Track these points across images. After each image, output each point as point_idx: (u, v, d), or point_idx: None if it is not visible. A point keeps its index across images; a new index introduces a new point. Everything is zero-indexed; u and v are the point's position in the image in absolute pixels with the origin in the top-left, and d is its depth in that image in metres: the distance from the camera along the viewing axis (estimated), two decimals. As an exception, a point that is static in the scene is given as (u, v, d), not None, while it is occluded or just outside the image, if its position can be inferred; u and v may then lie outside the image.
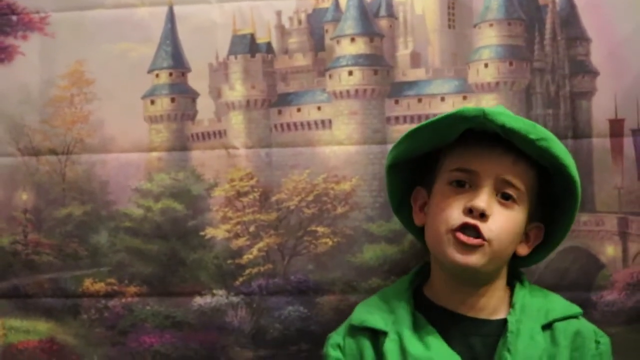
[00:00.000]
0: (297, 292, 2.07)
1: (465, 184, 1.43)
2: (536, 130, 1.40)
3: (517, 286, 1.54)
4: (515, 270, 1.57)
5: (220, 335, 2.10)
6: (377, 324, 1.51)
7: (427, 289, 1.56)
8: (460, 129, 1.42)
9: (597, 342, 1.52)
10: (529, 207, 1.48)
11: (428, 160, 1.52)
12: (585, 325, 1.54)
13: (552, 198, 1.50)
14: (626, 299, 1.97)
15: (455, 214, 1.42)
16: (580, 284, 1.99)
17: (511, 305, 1.50)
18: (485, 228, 1.41)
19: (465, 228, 1.41)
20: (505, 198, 1.43)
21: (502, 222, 1.42)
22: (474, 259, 1.42)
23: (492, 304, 1.50)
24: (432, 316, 1.49)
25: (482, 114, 1.37)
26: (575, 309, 1.55)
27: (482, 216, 1.40)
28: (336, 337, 1.59)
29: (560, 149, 1.43)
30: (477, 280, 1.48)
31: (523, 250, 1.53)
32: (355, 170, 2.05)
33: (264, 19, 2.13)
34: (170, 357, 2.11)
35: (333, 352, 1.56)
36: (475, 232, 1.41)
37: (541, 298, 1.53)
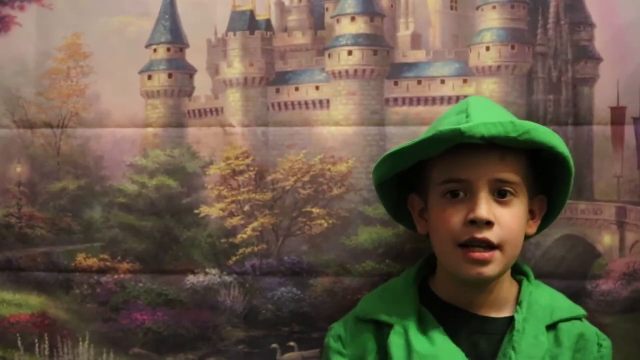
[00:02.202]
0: (290, 273, 2.06)
1: (459, 193, 1.41)
2: (516, 127, 1.37)
3: (525, 283, 1.53)
4: (520, 265, 1.56)
5: (212, 314, 2.09)
6: (382, 317, 1.50)
7: (433, 284, 1.55)
8: (440, 148, 1.40)
9: (599, 345, 1.51)
10: (527, 189, 1.46)
11: (416, 167, 1.49)
12: (588, 328, 1.53)
13: (547, 166, 1.48)
14: (622, 288, 1.96)
15: (458, 227, 1.40)
16: (576, 272, 1.98)
17: (518, 302, 1.49)
18: (493, 235, 1.40)
19: (473, 243, 1.39)
20: (502, 195, 1.41)
21: (508, 223, 1.41)
22: (490, 270, 1.41)
23: (499, 300, 1.50)
24: (437, 311, 1.48)
25: (459, 133, 1.35)
26: (580, 311, 1.54)
27: (487, 223, 1.38)
28: (337, 328, 1.59)
29: (544, 134, 1.40)
30: (487, 283, 1.47)
31: (531, 230, 1.52)
32: (352, 152, 2.02)
33: (264, -5, 2.11)
34: (161, 334, 2.10)
35: (334, 344, 1.56)
36: (485, 243, 1.39)
37: (547, 297, 1.53)
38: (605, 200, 1.99)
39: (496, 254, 1.40)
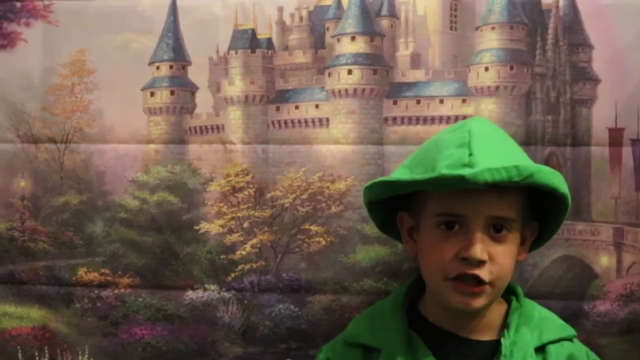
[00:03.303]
0: (288, 290, 2.07)
1: (454, 225, 1.40)
2: (520, 172, 1.34)
3: (514, 304, 1.51)
4: (511, 284, 1.55)
5: (210, 330, 2.10)
6: (370, 342, 1.49)
7: (422, 306, 1.54)
8: (440, 189, 1.38)
9: None
10: (522, 221, 1.45)
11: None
12: (578, 348, 1.51)
13: (542, 198, 1.47)
14: (619, 309, 1.95)
15: (448, 261, 1.37)
16: (573, 293, 1.98)
17: (506, 325, 1.48)
18: (485, 273, 1.37)
19: (464, 277, 1.38)
20: (498, 231, 1.39)
21: (501, 260, 1.39)
22: (478, 303, 1.39)
23: (488, 324, 1.47)
24: (426, 334, 1.46)
25: (463, 179, 1.32)
26: (569, 331, 1.52)
27: (480, 262, 1.37)
28: (326, 351, 1.57)
29: (547, 177, 1.38)
30: (476, 313, 1.46)
31: (521, 257, 1.50)
32: (350, 170, 2.04)
33: (266, 15, 2.12)
34: (160, 349, 2.11)
35: None
36: (476, 279, 1.38)
37: (536, 318, 1.51)
38: (603, 222, 2.00)
39: (486, 287, 1.39)
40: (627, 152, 1.97)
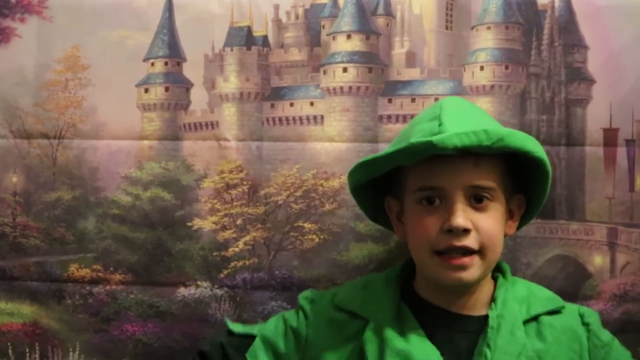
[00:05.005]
0: (281, 287, 2.06)
1: (435, 200, 1.40)
2: (489, 136, 1.35)
3: (500, 280, 1.51)
4: (498, 263, 1.55)
5: (202, 327, 2.09)
6: (360, 311, 1.49)
7: (415, 284, 1.54)
8: (414, 159, 1.39)
9: (587, 324, 1.49)
10: (504, 191, 1.45)
11: (391, 171, 1.49)
12: (570, 313, 1.51)
13: (525, 167, 1.47)
14: (612, 309, 1.95)
15: (434, 234, 1.38)
16: (566, 293, 1.96)
17: (492, 299, 1.48)
18: (471, 241, 1.38)
19: (452, 251, 1.39)
20: (479, 201, 1.40)
21: (485, 227, 1.39)
22: (469, 275, 1.40)
23: (478, 300, 1.48)
24: (417, 309, 1.47)
25: (431, 145, 1.34)
26: (557, 302, 1.52)
27: (465, 231, 1.38)
28: (315, 295, 1.56)
29: (519, 140, 1.39)
30: (467, 287, 1.46)
31: (510, 230, 1.50)
32: (344, 168, 2.03)
33: (262, 12, 2.12)
34: (152, 346, 2.10)
35: (306, 305, 1.54)
36: (464, 250, 1.38)
37: (524, 292, 1.51)
38: (597, 222, 2.00)
39: (475, 258, 1.39)
40: (621, 152, 1.97)
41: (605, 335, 1.50)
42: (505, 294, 1.47)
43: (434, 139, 1.32)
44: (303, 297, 1.56)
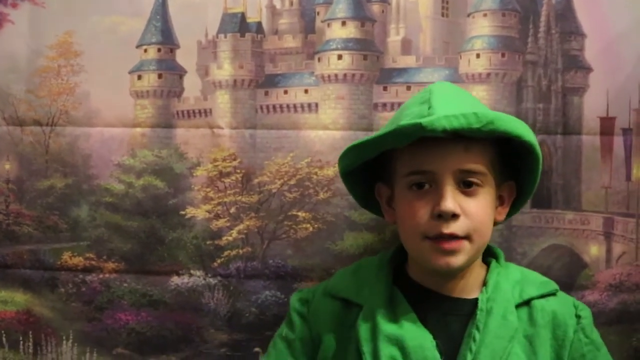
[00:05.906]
0: (274, 276, 2.05)
1: (424, 184, 1.40)
2: (479, 118, 1.35)
3: (492, 264, 1.51)
4: (492, 248, 1.55)
5: (196, 316, 2.08)
6: (353, 297, 1.49)
7: (407, 268, 1.54)
8: (403, 141, 1.38)
9: (578, 317, 1.49)
10: (494, 177, 1.44)
11: (381, 156, 1.48)
12: (564, 301, 1.51)
13: (516, 152, 1.46)
14: (608, 300, 1.95)
15: (424, 220, 1.39)
16: (562, 282, 1.93)
17: (484, 283, 1.48)
18: (460, 227, 1.38)
19: (441, 238, 1.38)
20: (468, 186, 1.40)
21: (474, 213, 1.39)
22: (458, 261, 1.40)
23: (469, 283, 1.48)
24: (410, 293, 1.47)
25: (420, 127, 1.33)
26: (551, 286, 1.52)
27: (454, 216, 1.37)
28: (307, 293, 1.57)
29: (509, 124, 1.38)
30: (457, 272, 1.46)
31: (500, 216, 1.50)
32: (339, 156, 2.01)
33: (256, -2, 2.10)
34: (145, 335, 2.09)
35: (299, 306, 1.55)
36: (453, 237, 1.38)
37: (517, 276, 1.51)
38: (593, 211, 1.99)
39: (464, 243, 1.39)
40: (618, 141, 1.96)
41: (595, 335, 1.50)
42: (498, 277, 1.48)
43: (423, 121, 1.32)
44: (296, 300, 1.57)
